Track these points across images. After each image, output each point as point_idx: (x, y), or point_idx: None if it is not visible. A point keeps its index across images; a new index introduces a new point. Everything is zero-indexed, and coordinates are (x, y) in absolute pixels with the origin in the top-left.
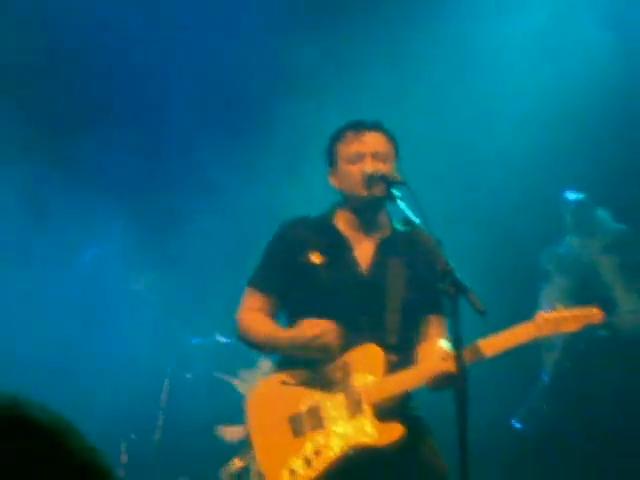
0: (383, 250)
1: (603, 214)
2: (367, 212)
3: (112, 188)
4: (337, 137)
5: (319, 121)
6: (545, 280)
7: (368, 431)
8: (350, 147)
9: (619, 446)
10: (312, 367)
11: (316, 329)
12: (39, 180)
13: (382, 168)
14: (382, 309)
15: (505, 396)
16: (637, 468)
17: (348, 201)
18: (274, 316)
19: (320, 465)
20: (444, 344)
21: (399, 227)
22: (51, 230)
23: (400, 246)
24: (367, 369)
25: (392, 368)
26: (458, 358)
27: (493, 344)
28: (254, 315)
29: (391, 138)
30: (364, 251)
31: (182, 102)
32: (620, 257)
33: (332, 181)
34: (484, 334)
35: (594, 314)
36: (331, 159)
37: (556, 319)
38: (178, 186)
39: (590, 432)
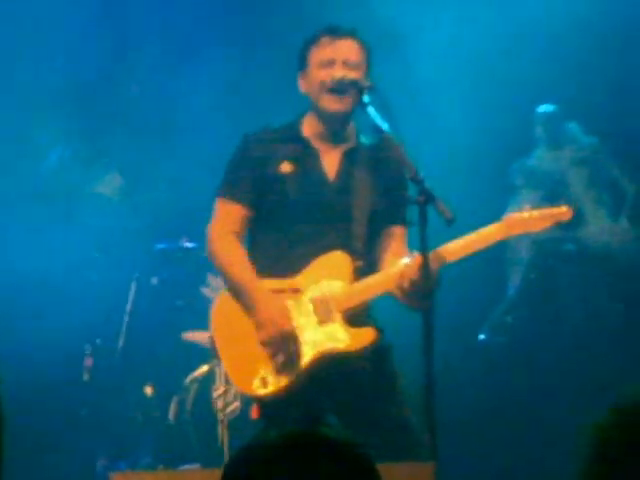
0: (349, 160)
1: (574, 127)
2: (335, 123)
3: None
4: (311, 41)
5: None
6: (514, 193)
7: (340, 337)
8: (322, 52)
9: (582, 357)
10: (278, 276)
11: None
12: None
13: (352, 75)
14: (348, 217)
15: (472, 312)
16: (599, 377)
17: (315, 108)
18: (245, 229)
19: (292, 372)
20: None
21: (365, 139)
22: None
23: (366, 156)
24: (335, 275)
25: (359, 273)
26: (425, 265)
27: (461, 246)
28: (230, 243)
29: (365, 47)
30: (331, 161)
31: None
32: (590, 171)
33: (301, 85)
34: None
35: (563, 212)
36: (303, 63)
37: (524, 219)
38: (149, 89)
39: (553, 343)
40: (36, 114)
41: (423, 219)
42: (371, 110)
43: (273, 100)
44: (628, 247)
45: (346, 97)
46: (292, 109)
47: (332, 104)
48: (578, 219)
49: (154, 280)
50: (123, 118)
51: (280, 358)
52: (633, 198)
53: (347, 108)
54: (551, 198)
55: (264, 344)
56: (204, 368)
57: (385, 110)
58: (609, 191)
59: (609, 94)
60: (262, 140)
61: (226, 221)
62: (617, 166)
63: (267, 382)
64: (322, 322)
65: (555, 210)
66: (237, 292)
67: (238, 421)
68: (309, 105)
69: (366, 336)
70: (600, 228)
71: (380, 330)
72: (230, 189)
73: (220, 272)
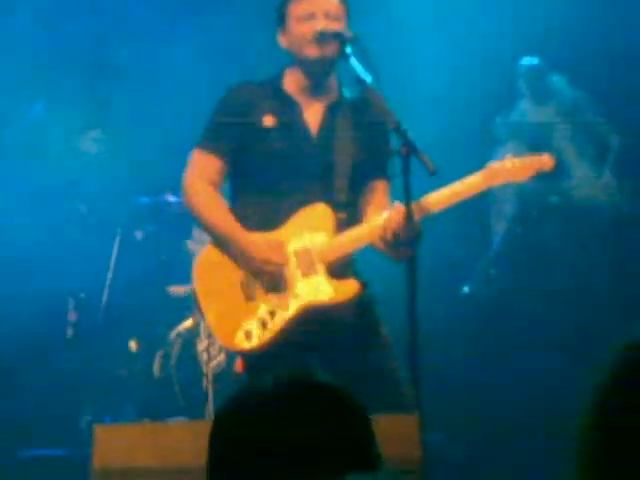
0: (332, 113)
1: (558, 80)
2: (318, 73)
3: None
4: None
5: None
6: (498, 146)
7: (323, 289)
8: (302, 6)
9: (567, 310)
10: (261, 230)
11: (266, 254)
12: None
13: (334, 26)
14: (330, 171)
15: (457, 265)
16: (584, 329)
17: (298, 62)
18: (222, 181)
19: (276, 325)
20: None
21: (348, 93)
22: None
23: (349, 110)
24: (317, 228)
25: (342, 226)
26: (408, 216)
27: (444, 196)
28: (207, 190)
29: None
30: (313, 115)
31: None
32: (574, 124)
33: (282, 41)
34: None
35: (544, 161)
36: (282, 18)
37: (507, 168)
38: (131, 40)
39: (538, 296)
40: (22, 70)
41: (406, 170)
42: (353, 61)
43: (261, 55)
44: (612, 199)
45: (328, 46)
46: (278, 63)
47: (315, 51)
48: (562, 171)
49: (138, 234)
50: (107, 72)
51: (265, 310)
52: (616, 151)
53: (330, 55)
54: (535, 150)
55: (267, 285)
56: (189, 322)
57: (367, 62)
58: (593, 144)
59: (594, 46)
60: (244, 93)
61: (202, 171)
62: (601, 119)
63: (251, 335)
64: (305, 274)
65: (537, 159)
66: (222, 240)
67: (223, 374)
68: (290, 61)
69: (350, 288)
70: (584, 180)
71: (364, 282)
72: (208, 140)
73: (200, 222)
